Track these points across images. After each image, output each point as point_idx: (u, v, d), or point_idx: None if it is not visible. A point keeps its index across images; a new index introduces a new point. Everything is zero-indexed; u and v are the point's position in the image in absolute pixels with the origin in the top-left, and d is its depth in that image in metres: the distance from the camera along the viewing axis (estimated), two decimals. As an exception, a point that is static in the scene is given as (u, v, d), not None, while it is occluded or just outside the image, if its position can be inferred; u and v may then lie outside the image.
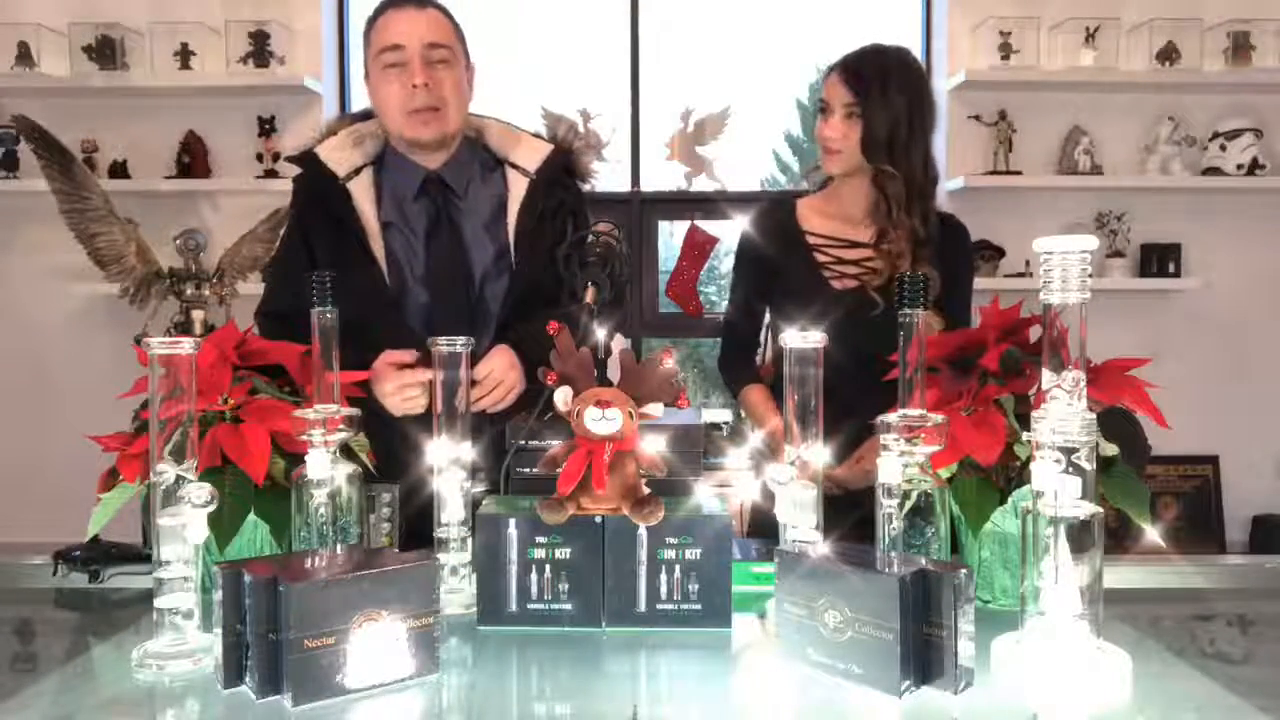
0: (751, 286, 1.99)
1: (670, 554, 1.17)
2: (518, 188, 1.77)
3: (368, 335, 1.59)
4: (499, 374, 1.62)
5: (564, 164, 1.81)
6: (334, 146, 1.76)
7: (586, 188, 1.88)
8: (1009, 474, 1.25)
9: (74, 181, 3.07)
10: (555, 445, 1.24)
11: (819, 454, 1.19)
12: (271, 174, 3.62)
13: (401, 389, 1.56)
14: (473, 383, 1.58)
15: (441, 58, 1.68)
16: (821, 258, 1.91)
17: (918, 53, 3.86)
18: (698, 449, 1.36)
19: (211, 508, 1.04)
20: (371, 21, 1.73)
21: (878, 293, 1.84)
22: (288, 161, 1.79)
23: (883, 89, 1.81)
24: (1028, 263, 3.60)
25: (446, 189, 1.76)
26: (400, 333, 1.67)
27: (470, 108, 1.80)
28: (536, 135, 1.86)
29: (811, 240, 1.92)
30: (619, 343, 1.73)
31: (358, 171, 1.74)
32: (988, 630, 1.05)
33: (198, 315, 3.33)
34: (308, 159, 1.75)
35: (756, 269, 1.98)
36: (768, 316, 2.02)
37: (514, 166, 1.79)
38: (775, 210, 2.00)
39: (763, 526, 1.98)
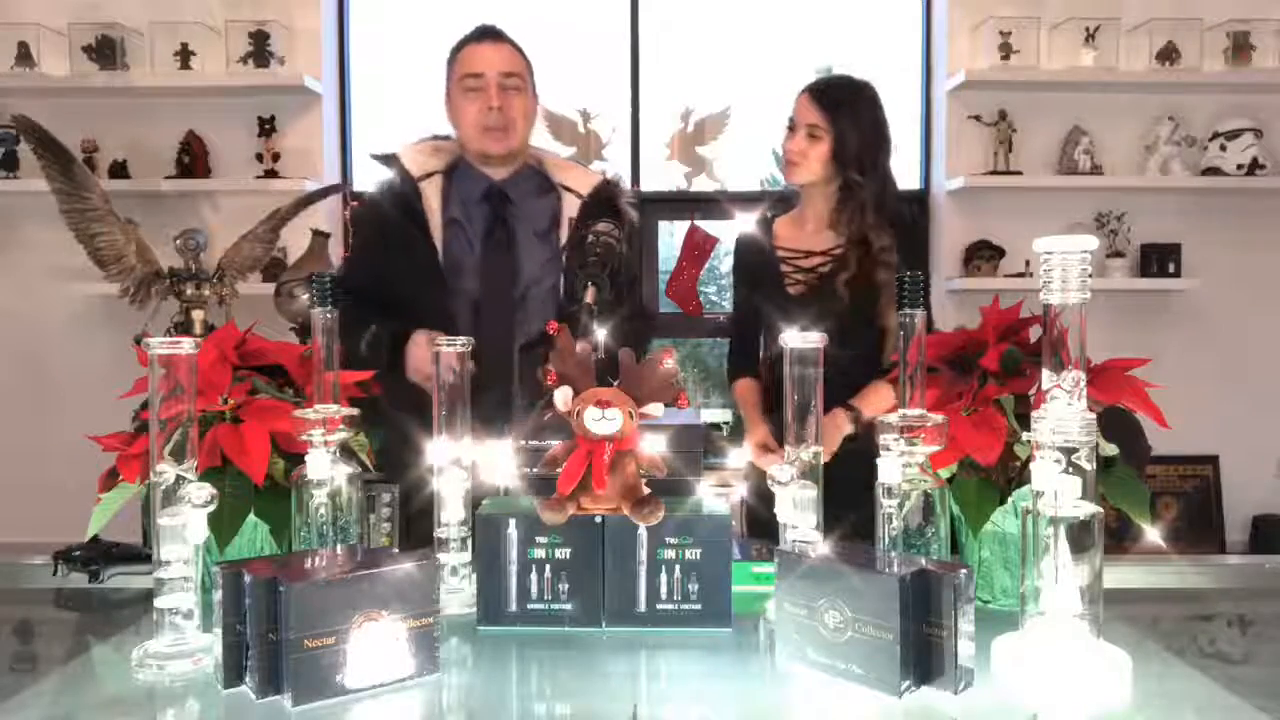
0: (739, 292, 2.31)
1: (670, 554, 1.17)
2: (571, 206, 1.98)
3: (420, 319, 1.80)
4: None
5: (610, 194, 2.01)
6: (416, 151, 2.00)
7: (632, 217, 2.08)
8: (1009, 474, 1.25)
9: (74, 181, 3.06)
10: (555, 445, 1.24)
11: (817, 454, 1.19)
12: (271, 174, 3.62)
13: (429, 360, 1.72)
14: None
15: (514, 85, 1.95)
16: (785, 268, 2.17)
17: (918, 53, 3.90)
18: (698, 449, 1.36)
19: (211, 508, 1.04)
20: (456, 51, 1.99)
21: (829, 295, 2.09)
22: (372, 159, 2.04)
23: (851, 110, 2.09)
24: (1028, 263, 3.60)
25: (507, 198, 1.97)
26: (449, 319, 1.84)
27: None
28: (588, 169, 2.13)
29: (780, 253, 2.19)
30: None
31: (430, 175, 1.96)
32: (988, 630, 1.05)
33: (198, 315, 3.32)
34: (390, 158, 1.98)
35: (740, 278, 2.29)
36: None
37: (568, 189, 2.00)
38: (757, 228, 2.28)
39: (756, 526, 2.08)
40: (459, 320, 1.86)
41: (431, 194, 1.95)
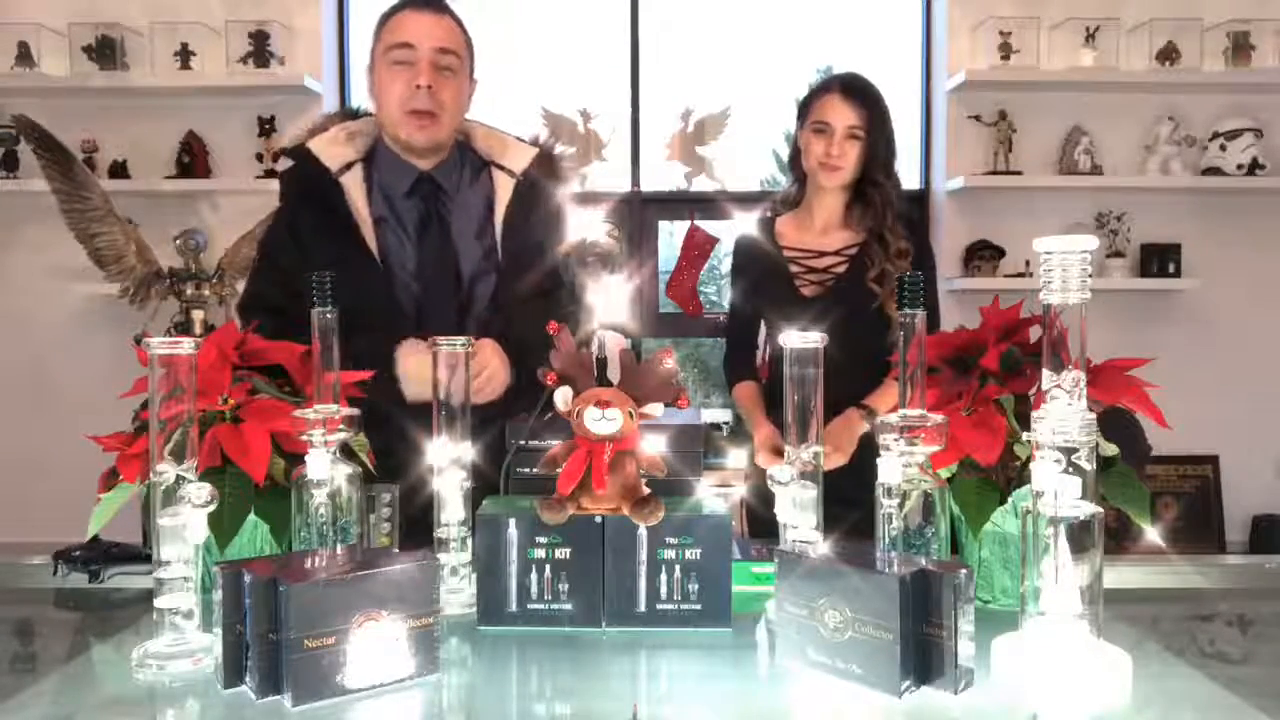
0: (741, 295, 2.24)
1: (670, 554, 1.17)
2: (504, 189, 1.80)
3: (361, 328, 1.57)
4: (482, 360, 1.62)
5: (550, 167, 1.84)
6: (327, 141, 1.77)
7: (573, 188, 1.90)
8: (1009, 474, 1.25)
9: (74, 181, 3.07)
10: (555, 445, 1.24)
11: (818, 454, 1.19)
12: (271, 174, 3.61)
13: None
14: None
15: (448, 64, 1.71)
16: (794, 269, 2.13)
17: (918, 53, 3.91)
18: (698, 449, 1.36)
19: (211, 508, 1.04)
20: (385, 18, 1.75)
21: (846, 295, 2.06)
22: (281, 154, 1.82)
23: (881, 109, 2.06)
24: (1028, 263, 3.61)
25: (438, 188, 1.79)
26: (394, 325, 1.68)
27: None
28: (520, 140, 1.89)
29: (787, 254, 2.15)
30: (618, 341, 1.73)
31: (349, 167, 1.75)
32: (988, 630, 1.05)
33: (198, 315, 3.33)
34: (300, 153, 1.76)
35: (743, 280, 2.23)
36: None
37: (500, 168, 1.81)
38: (758, 229, 2.24)
39: (756, 526, 2.08)
40: (405, 326, 1.69)
41: (354, 188, 1.74)
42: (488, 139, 1.85)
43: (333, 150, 1.76)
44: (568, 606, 1.18)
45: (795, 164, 2.18)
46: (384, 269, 1.73)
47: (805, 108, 2.13)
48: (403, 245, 1.76)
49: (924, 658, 0.98)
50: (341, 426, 1.17)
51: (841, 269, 2.10)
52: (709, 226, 3.91)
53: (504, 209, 1.78)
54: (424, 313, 1.73)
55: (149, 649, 1.05)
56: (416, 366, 1.60)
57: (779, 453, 2.01)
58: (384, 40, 1.73)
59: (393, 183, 1.78)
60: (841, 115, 2.04)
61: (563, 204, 1.86)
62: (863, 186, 2.09)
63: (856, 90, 2.06)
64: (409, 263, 1.75)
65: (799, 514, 1.18)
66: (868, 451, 1.85)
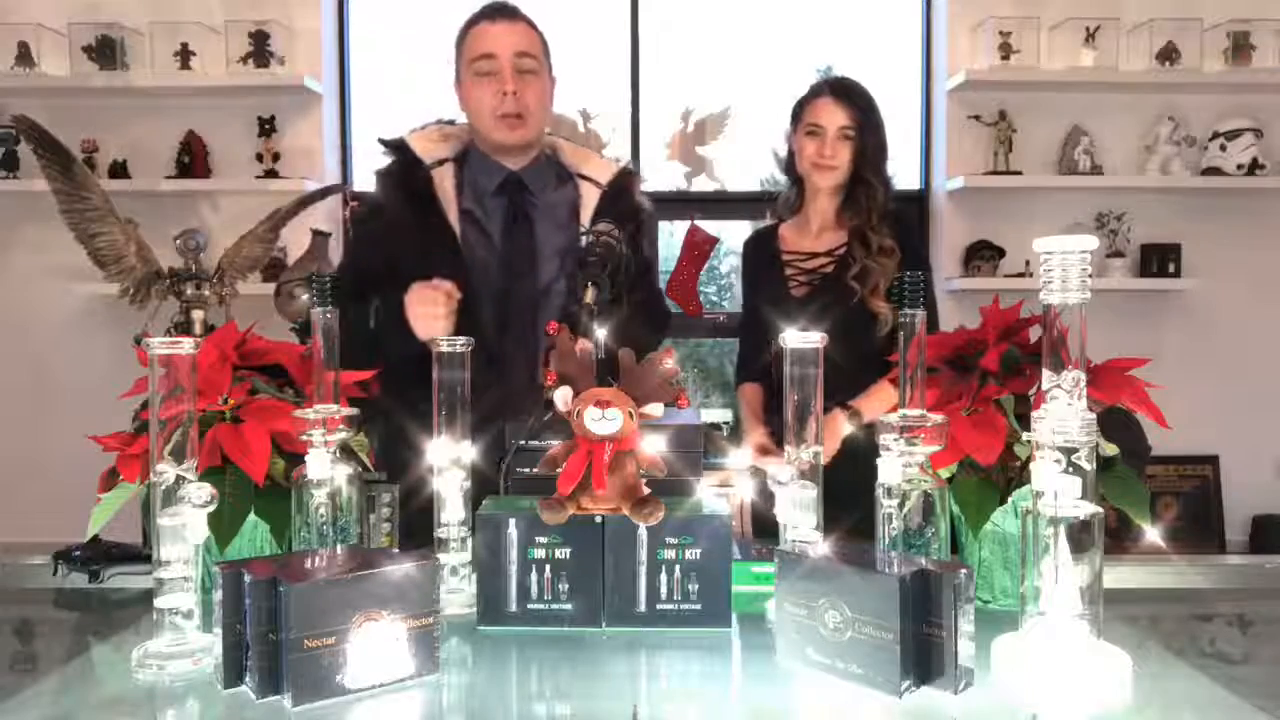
0: (745, 297, 2.35)
1: (670, 554, 1.17)
2: (590, 196, 1.90)
3: None
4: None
5: (632, 183, 1.95)
6: (423, 138, 1.90)
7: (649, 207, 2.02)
8: (1009, 474, 1.25)
9: (74, 181, 3.06)
10: (555, 445, 1.24)
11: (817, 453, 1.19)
12: (271, 174, 3.62)
13: (426, 303, 1.65)
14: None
15: (529, 67, 1.84)
16: (789, 270, 2.21)
17: (918, 53, 3.90)
18: (698, 449, 1.36)
19: (211, 508, 1.04)
20: (465, 31, 1.88)
21: (831, 295, 2.10)
22: (380, 144, 1.92)
23: (872, 110, 2.14)
24: (1028, 263, 3.60)
25: (524, 189, 1.89)
26: (470, 314, 1.74)
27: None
28: (604, 157, 2.03)
29: (785, 257, 2.23)
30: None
31: (442, 163, 1.88)
32: (988, 630, 1.05)
33: (198, 315, 3.32)
34: (397, 144, 1.89)
35: (745, 283, 2.35)
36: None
37: (585, 178, 1.93)
38: (760, 235, 2.34)
39: (761, 526, 2.09)
40: (480, 317, 1.76)
41: (444, 182, 1.86)
42: (574, 153, 1.98)
43: (428, 145, 1.88)
44: (568, 607, 1.18)
45: (790, 168, 2.26)
46: (466, 261, 1.81)
47: (798, 111, 2.20)
48: (487, 239, 1.86)
49: (924, 658, 0.98)
50: (341, 426, 1.17)
51: (829, 269, 2.16)
52: (709, 226, 3.91)
53: (590, 212, 1.87)
54: (501, 307, 1.81)
55: (149, 649, 1.05)
56: (417, 301, 1.67)
57: (770, 454, 2.04)
58: (466, 54, 1.86)
59: (482, 181, 1.89)
60: (833, 117, 2.11)
61: (645, 219, 1.93)
62: (853, 186, 2.15)
63: (847, 92, 2.13)
64: (491, 256, 1.85)
65: (799, 514, 1.18)
66: (855, 452, 1.87)
